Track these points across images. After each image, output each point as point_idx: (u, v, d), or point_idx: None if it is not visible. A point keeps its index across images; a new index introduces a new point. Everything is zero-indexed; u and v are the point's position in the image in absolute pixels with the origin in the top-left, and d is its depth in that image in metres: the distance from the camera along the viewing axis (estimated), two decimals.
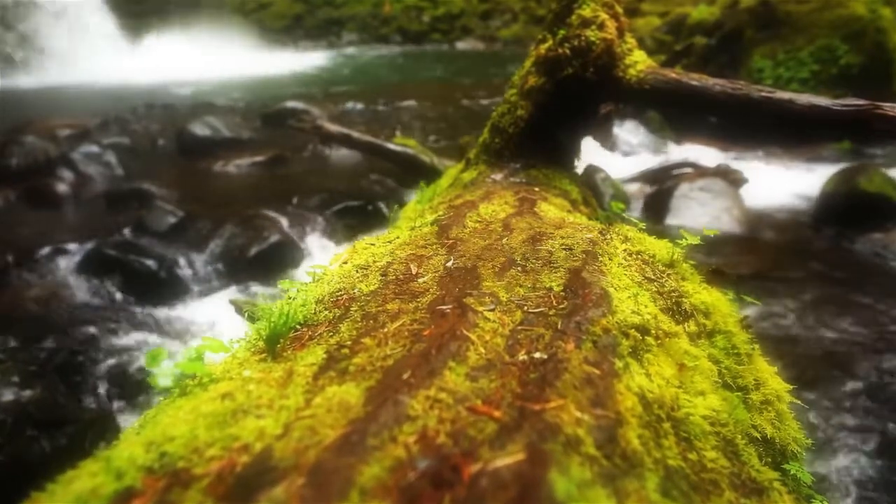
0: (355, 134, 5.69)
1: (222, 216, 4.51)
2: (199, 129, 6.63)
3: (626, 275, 1.28)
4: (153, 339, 3.49)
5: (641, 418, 0.83)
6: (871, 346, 3.35)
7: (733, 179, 5.67)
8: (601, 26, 2.30)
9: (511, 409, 0.77)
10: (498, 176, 2.38)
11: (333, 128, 5.75)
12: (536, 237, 1.44)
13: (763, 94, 2.09)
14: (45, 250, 4.02)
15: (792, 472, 1.11)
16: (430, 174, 4.56)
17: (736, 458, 0.96)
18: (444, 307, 1.07)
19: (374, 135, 6.08)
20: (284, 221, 4.58)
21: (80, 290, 3.77)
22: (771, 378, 1.30)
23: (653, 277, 1.35)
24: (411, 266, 1.31)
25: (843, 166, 5.58)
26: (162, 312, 3.74)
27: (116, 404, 3.00)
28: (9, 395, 2.61)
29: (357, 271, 1.33)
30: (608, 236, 1.46)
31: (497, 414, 0.76)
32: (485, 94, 9.21)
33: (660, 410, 0.89)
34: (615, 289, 1.15)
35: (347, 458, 0.67)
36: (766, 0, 8.06)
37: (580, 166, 2.81)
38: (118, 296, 3.77)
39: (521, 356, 0.91)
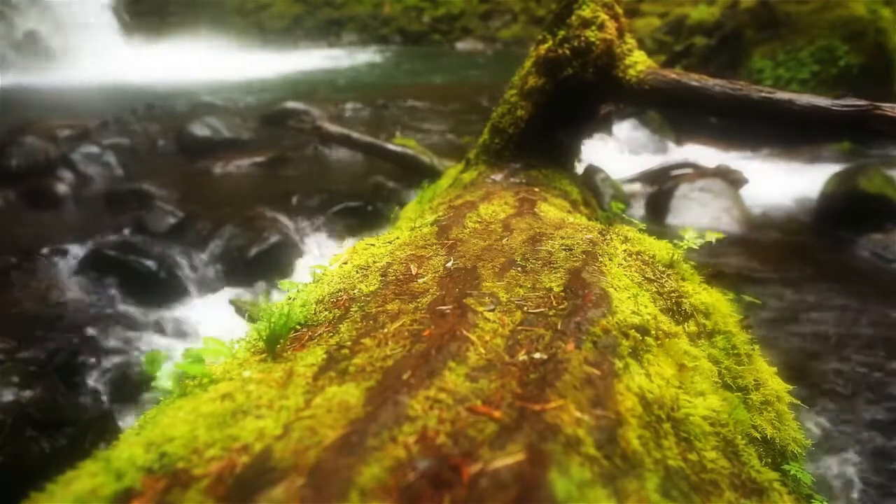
0: (355, 134, 5.69)
1: (222, 216, 4.51)
2: (199, 129, 6.63)
3: (625, 275, 1.28)
4: (153, 339, 3.49)
5: (641, 419, 0.83)
6: (871, 346, 3.35)
7: (733, 179, 5.67)
8: (601, 27, 2.30)
9: (511, 409, 0.77)
10: (498, 176, 2.38)
11: (333, 128, 5.75)
12: (536, 238, 1.44)
13: (763, 94, 2.09)
14: (45, 250, 4.02)
15: (792, 473, 1.11)
16: (430, 174, 4.55)
17: (736, 458, 0.96)
18: (444, 308, 1.07)
19: (374, 135, 6.07)
20: (284, 222, 4.58)
21: (80, 290, 3.77)
22: (771, 378, 1.30)
23: (653, 278, 1.35)
24: (411, 266, 1.31)
25: (843, 166, 5.58)
26: (162, 313, 3.74)
27: (116, 404, 3.00)
28: (9, 395, 2.61)
29: (357, 272, 1.33)
30: (608, 237, 1.46)
31: (497, 414, 0.76)
32: (485, 95, 9.21)
33: (660, 411, 0.89)
34: (615, 289, 1.14)
35: (347, 459, 0.67)
36: (766, 0, 8.06)
37: (580, 166, 2.81)
38: (118, 296, 3.77)
39: (521, 356, 0.90)
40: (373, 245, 1.51)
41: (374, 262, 1.38)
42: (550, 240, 1.41)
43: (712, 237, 1.56)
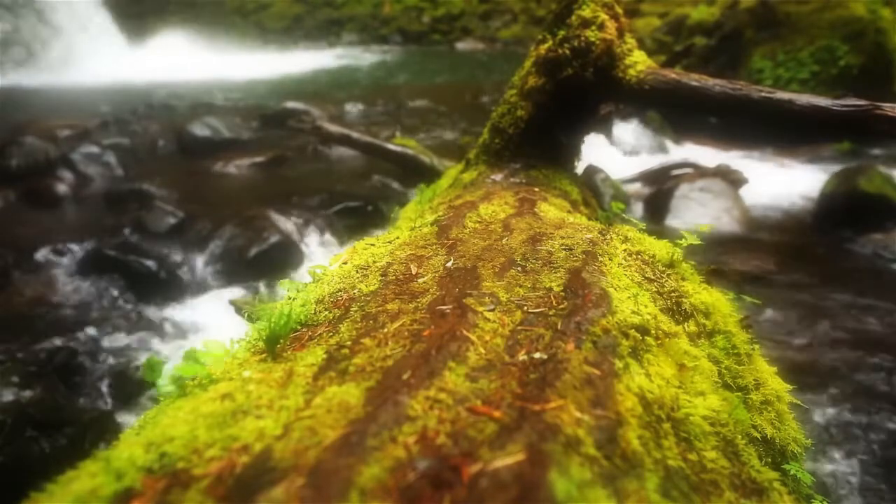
0: (355, 134, 5.69)
1: (222, 216, 4.51)
2: (199, 129, 6.63)
3: (625, 275, 1.28)
4: (153, 339, 3.49)
5: (641, 419, 0.83)
6: (871, 346, 3.35)
7: (733, 179, 5.66)
8: (601, 27, 2.30)
9: (511, 409, 0.77)
10: (498, 176, 2.38)
11: (333, 128, 5.75)
12: (536, 237, 1.44)
13: (763, 94, 2.09)
14: (45, 250, 4.02)
15: (792, 473, 1.11)
16: (430, 174, 4.55)
17: (736, 458, 0.96)
18: (444, 307, 1.07)
19: (374, 135, 6.08)
20: (284, 222, 4.58)
21: (80, 290, 3.77)
22: (771, 378, 1.30)
23: (653, 277, 1.35)
24: (411, 266, 1.31)
25: (843, 166, 5.58)
26: (162, 313, 3.74)
27: (116, 404, 3.00)
28: (9, 395, 2.61)
29: (357, 271, 1.33)
30: (608, 236, 1.46)
31: (497, 414, 0.76)
32: (485, 95, 9.21)
33: (660, 411, 0.89)
34: (615, 289, 1.14)
35: (347, 459, 0.67)
36: (766, 0, 8.07)
37: (580, 166, 2.81)
38: (118, 296, 3.77)
39: (521, 356, 0.90)
40: (373, 245, 1.51)
41: (374, 261, 1.38)
42: (550, 240, 1.41)
43: (704, 229, 1.56)
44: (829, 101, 2.01)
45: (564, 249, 1.33)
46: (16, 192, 5.11)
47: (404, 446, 0.69)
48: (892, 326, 3.52)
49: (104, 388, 3.08)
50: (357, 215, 4.89)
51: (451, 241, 1.46)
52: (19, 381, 2.69)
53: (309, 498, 0.62)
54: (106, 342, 3.36)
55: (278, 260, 4.20)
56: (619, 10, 2.39)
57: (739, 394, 1.17)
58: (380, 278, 1.26)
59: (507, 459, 0.67)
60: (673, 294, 1.32)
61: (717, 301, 1.38)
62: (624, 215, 2.57)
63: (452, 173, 2.91)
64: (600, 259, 1.29)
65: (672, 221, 5.05)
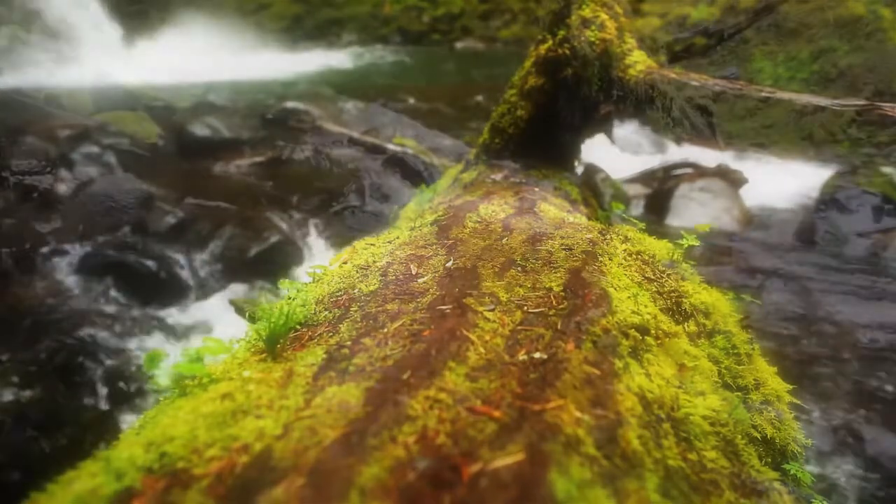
0: (355, 134, 5.70)
1: (222, 216, 4.51)
2: (199, 129, 6.62)
3: (625, 275, 1.28)
4: (153, 339, 3.49)
5: (641, 418, 0.83)
6: (871, 345, 3.35)
7: (733, 179, 5.66)
8: (601, 27, 2.30)
9: (511, 409, 0.77)
10: (498, 176, 2.38)
11: (333, 128, 5.75)
12: (536, 237, 1.43)
13: (763, 93, 2.09)
14: (45, 250, 4.02)
15: (792, 472, 1.11)
16: (429, 175, 4.55)
17: (736, 458, 0.96)
18: (443, 307, 1.07)
19: (374, 135, 6.08)
20: (284, 221, 4.58)
21: (80, 290, 3.77)
22: (771, 378, 1.30)
23: (653, 277, 1.35)
24: (411, 266, 1.30)
25: (843, 166, 5.58)
26: (162, 313, 3.74)
27: (116, 404, 3.00)
28: (9, 395, 2.61)
29: (357, 271, 1.33)
30: (608, 236, 1.46)
31: (497, 414, 0.76)
32: (484, 95, 9.21)
33: (660, 411, 0.89)
34: (615, 289, 1.14)
35: (347, 459, 0.67)
36: (767, 0, 8.07)
37: (580, 166, 2.81)
38: (118, 296, 3.77)
39: (521, 356, 0.90)
40: (373, 245, 1.51)
41: (374, 261, 1.38)
42: (550, 239, 1.41)
43: (703, 228, 1.57)
44: (828, 100, 2.01)
45: (564, 249, 1.33)
46: (16, 192, 5.10)
47: (404, 446, 0.69)
48: (893, 326, 3.52)
49: (104, 388, 3.08)
50: (357, 215, 4.89)
51: (451, 241, 1.45)
52: (19, 381, 2.69)
53: (309, 498, 0.62)
54: (106, 342, 3.36)
55: (278, 260, 4.20)
56: (619, 10, 2.39)
57: (739, 394, 1.17)
58: (380, 278, 1.26)
59: (507, 459, 0.67)
60: (673, 294, 1.32)
61: (717, 301, 1.38)
62: (624, 215, 2.57)
63: (452, 173, 2.91)
64: (600, 259, 1.28)
65: (672, 221, 5.05)
